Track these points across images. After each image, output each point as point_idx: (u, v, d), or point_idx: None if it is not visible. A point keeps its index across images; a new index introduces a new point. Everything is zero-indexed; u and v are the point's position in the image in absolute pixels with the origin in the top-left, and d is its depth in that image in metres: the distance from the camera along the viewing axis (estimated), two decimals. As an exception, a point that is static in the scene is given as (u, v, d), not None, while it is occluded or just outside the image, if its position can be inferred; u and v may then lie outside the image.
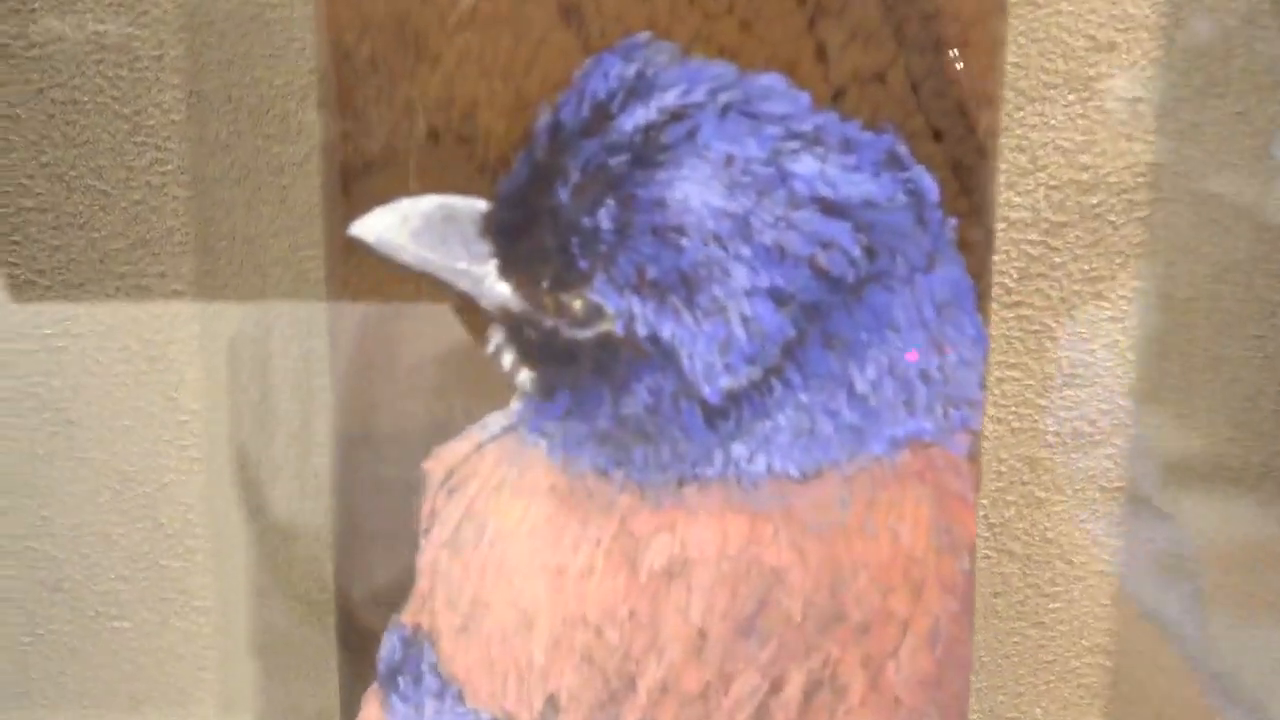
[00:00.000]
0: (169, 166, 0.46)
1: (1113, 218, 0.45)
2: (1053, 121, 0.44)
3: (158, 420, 0.48)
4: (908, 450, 0.39)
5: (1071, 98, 0.44)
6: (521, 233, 0.38)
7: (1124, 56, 0.44)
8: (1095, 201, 0.45)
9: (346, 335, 0.39)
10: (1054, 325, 0.46)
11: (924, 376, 0.39)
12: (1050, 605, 0.47)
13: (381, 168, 0.38)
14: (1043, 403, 0.46)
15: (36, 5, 0.45)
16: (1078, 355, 0.46)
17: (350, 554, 0.41)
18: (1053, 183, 0.45)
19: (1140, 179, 0.45)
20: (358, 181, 0.38)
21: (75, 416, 0.49)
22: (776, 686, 0.40)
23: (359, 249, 0.38)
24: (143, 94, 0.46)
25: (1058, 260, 0.45)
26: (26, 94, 0.46)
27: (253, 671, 0.50)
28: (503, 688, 0.41)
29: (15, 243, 0.47)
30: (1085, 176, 0.45)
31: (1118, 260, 0.45)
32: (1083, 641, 0.48)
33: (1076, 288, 0.46)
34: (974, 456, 0.39)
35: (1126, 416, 0.46)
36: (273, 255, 0.47)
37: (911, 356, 0.38)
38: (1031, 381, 0.46)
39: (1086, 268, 0.45)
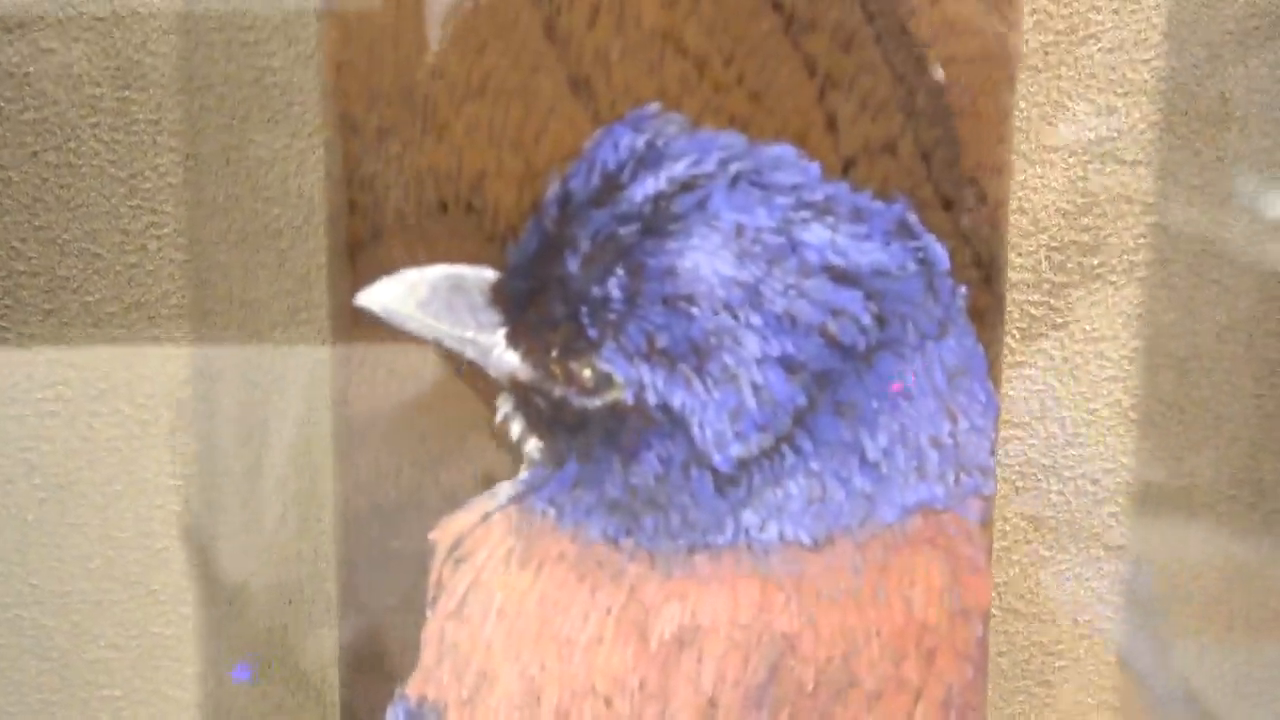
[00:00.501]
0: (165, 230, 0.46)
1: (1114, 278, 0.45)
2: (1054, 184, 0.45)
3: (150, 485, 0.48)
4: (919, 517, 0.39)
5: (1072, 161, 0.45)
6: (530, 302, 0.38)
7: (1124, 120, 0.44)
8: (1097, 263, 0.45)
9: (351, 404, 0.39)
10: (1057, 385, 0.46)
11: (935, 443, 0.38)
12: (1056, 663, 0.47)
13: (389, 237, 0.37)
14: (1046, 462, 0.46)
15: (30, 69, 0.45)
16: (1081, 415, 0.46)
17: (354, 625, 0.40)
18: (1054, 244, 0.45)
19: (1141, 240, 0.45)
20: (364, 251, 0.38)
21: (65, 481, 0.48)
22: (788, 757, 0.40)
23: (365, 319, 0.38)
24: (139, 157, 0.45)
25: (1060, 321, 0.46)
26: (20, 157, 0.45)
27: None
28: (511, 760, 0.40)
29: (7, 306, 0.46)
30: (1087, 238, 0.45)
31: (1120, 320, 0.46)
32: (1088, 699, 0.47)
33: (1079, 348, 0.46)
34: (986, 522, 0.39)
35: (1129, 475, 0.46)
36: (271, 319, 0.46)
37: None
38: (1035, 441, 0.46)
39: (1089, 328, 0.46)
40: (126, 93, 0.45)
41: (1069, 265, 0.45)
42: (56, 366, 0.47)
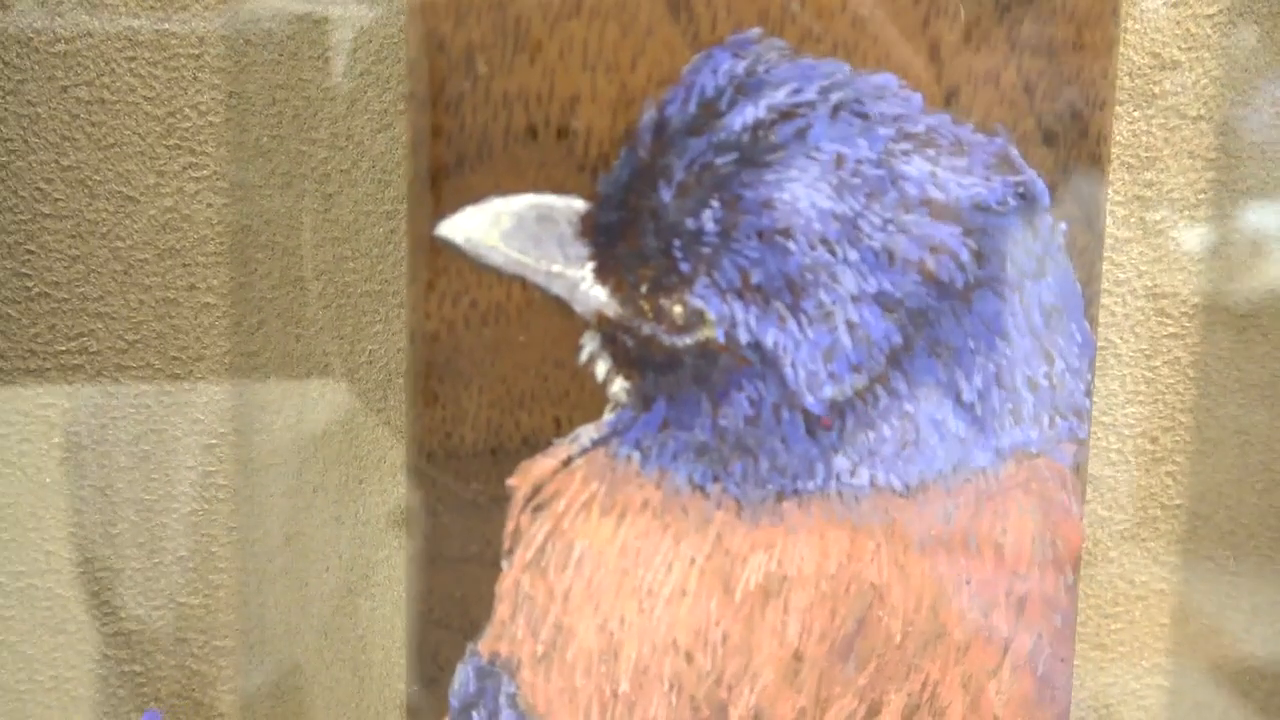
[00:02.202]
0: (204, 172, 0.44)
1: (1175, 234, 0.45)
2: (1118, 137, 0.44)
3: (182, 445, 0.45)
4: (1013, 461, 0.38)
5: (1136, 114, 0.44)
6: (621, 234, 0.36)
7: (1187, 74, 0.44)
8: (1159, 217, 0.45)
9: (427, 342, 0.37)
10: (1118, 341, 0.45)
11: (1031, 385, 0.38)
12: (1111, 626, 0.47)
13: (474, 164, 0.36)
14: (1107, 420, 0.46)
15: (66, -3, 0.42)
16: (1140, 372, 0.46)
17: (425, 577, 0.38)
18: (1118, 198, 0.45)
19: (1202, 196, 0.45)
20: (448, 178, 0.36)
21: (89, 441, 0.45)
22: (874, 711, 0.38)
23: (445, 250, 0.36)
24: (178, 94, 0.43)
25: (1121, 277, 0.45)
26: (49, 91, 0.43)
27: None
28: None
29: (30, 252, 0.44)
30: (1149, 193, 0.45)
31: (1180, 277, 0.45)
32: (1143, 663, 0.47)
33: (1139, 304, 0.45)
34: (1080, 467, 0.38)
35: (1188, 434, 0.46)
36: (314, 267, 0.44)
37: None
38: (1096, 399, 0.45)
39: (1150, 284, 0.45)
40: (166, 25, 0.43)
41: (1131, 220, 0.45)
42: (82, 317, 0.44)
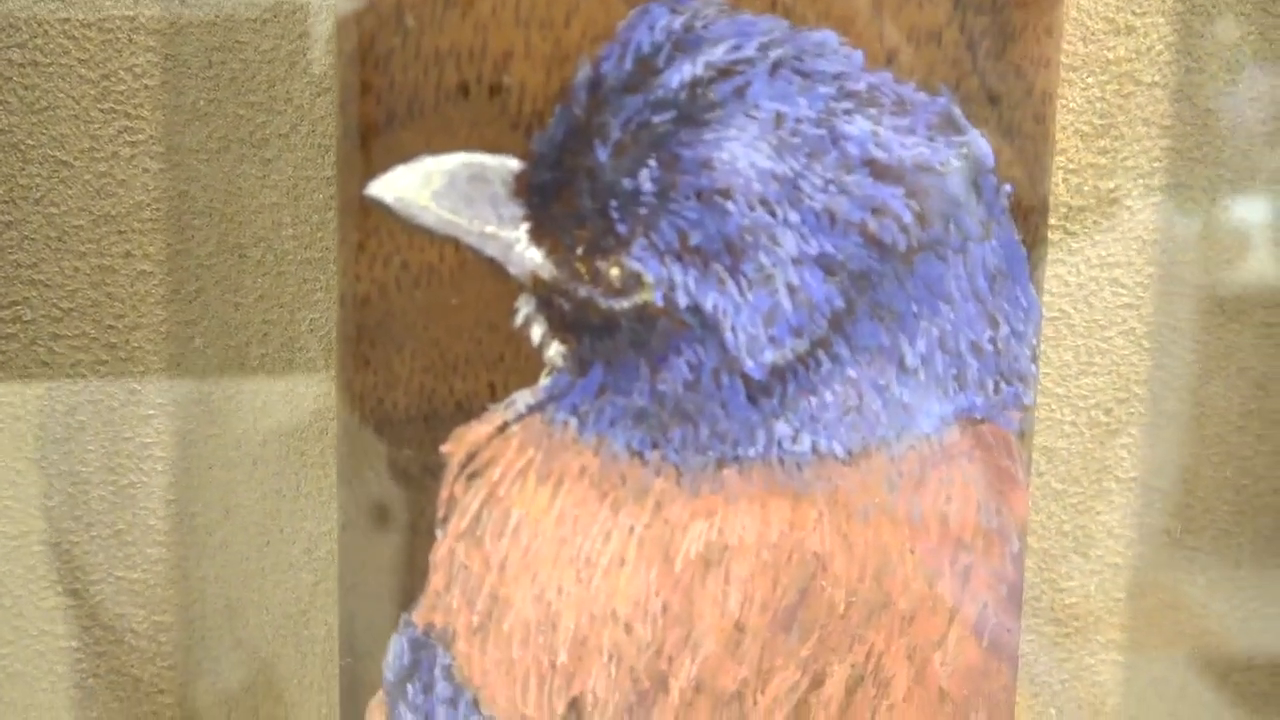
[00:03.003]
0: (140, 136, 0.43)
1: (1130, 203, 0.45)
2: (1071, 105, 0.44)
3: (118, 416, 0.44)
4: (957, 428, 0.37)
5: (1089, 80, 0.44)
6: (556, 194, 0.35)
7: (1141, 39, 0.44)
8: (1112, 186, 0.45)
9: (357, 305, 0.36)
10: (1071, 312, 0.45)
11: (976, 349, 0.37)
12: (1066, 600, 0.46)
13: (404, 122, 0.35)
14: (1060, 392, 0.45)
15: (-5, -45, 0.41)
16: (1094, 343, 0.45)
17: (357, 546, 0.37)
18: (1071, 166, 0.44)
19: (1157, 164, 0.44)
20: (377, 137, 0.35)
21: (22, 412, 0.44)
22: (817, 682, 0.38)
23: (376, 211, 0.35)
24: (112, 56, 0.42)
25: (1074, 246, 0.45)
26: (-20, 54, 0.42)
27: (229, 696, 0.46)
28: (522, 692, 0.37)
29: (-39, 217, 0.43)
30: (1103, 161, 0.44)
31: (1135, 246, 0.45)
32: (1098, 638, 0.47)
33: (1093, 274, 0.45)
34: (1026, 434, 0.37)
35: (1142, 406, 0.45)
36: (252, 234, 0.43)
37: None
38: (1049, 370, 0.45)
39: (1104, 254, 0.45)
40: (100, -14, 0.42)
41: (1085, 188, 0.44)
42: (16, 285, 0.43)
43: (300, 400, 0.45)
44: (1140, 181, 0.44)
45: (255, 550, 0.45)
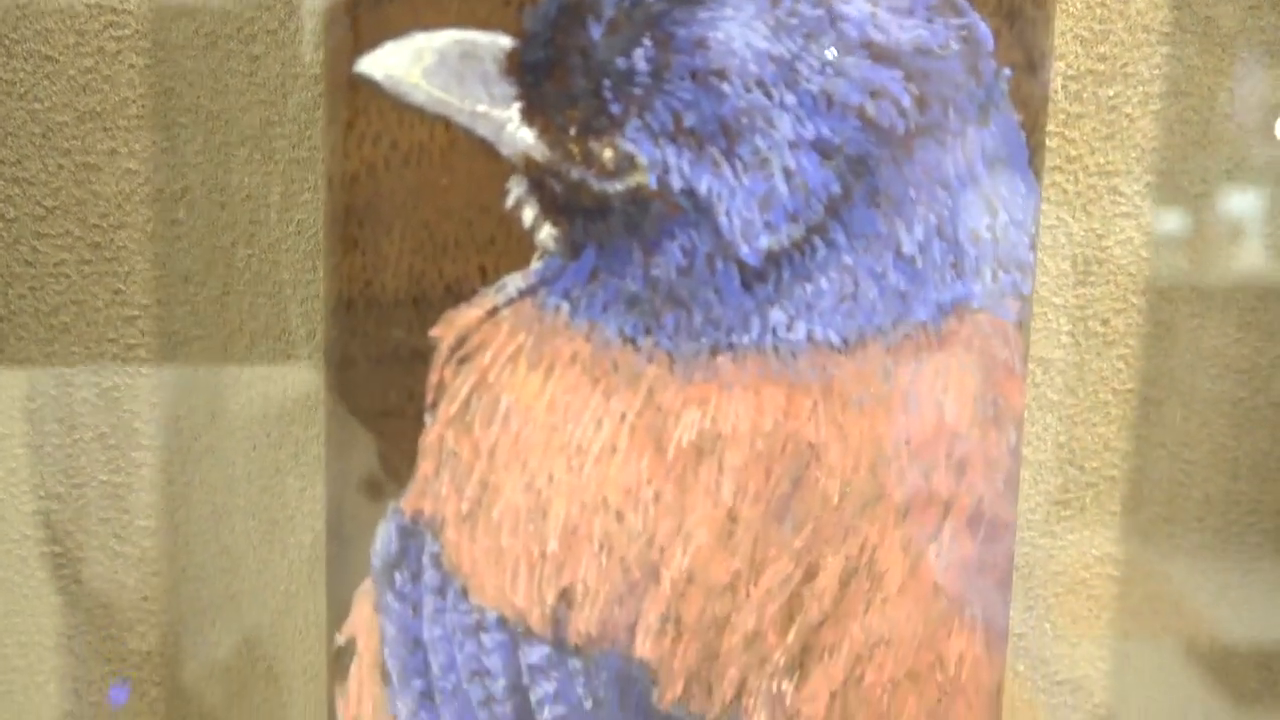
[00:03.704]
0: (126, 31, 0.42)
1: (1129, 110, 0.44)
2: (1071, 9, 0.43)
3: (102, 317, 0.44)
4: (954, 317, 0.37)
5: (1090, -17, 0.43)
6: (548, 73, 0.35)
7: (1142, -57, 0.43)
8: (1112, 93, 0.44)
9: (346, 185, 0.35)
10: (1069, 220, 0.44)
11: (974, 237, 0.37)
12: (1061, 513, 0.46)
13: (395, -4, 0.34)
14: (1057, 301, 0.45)
15: None
16: (1092, 252, 0.45)
17: (344, 432, 0.37)
18: (1070, 72, 0.44)
19: (1157, 72, 0.44)
20: (366, 12, 0.34)
21: (4, 311, 0.43)
22: (810, 574, 0.37)
23: (365, 89, 0.35)
24: (98, -53, 0.42)
25: (1073, 153, 0.44)
26: (-37, -57, 0.41)
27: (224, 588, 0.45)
28: (512, 581, 0.37)
29: (-56, 111, 0.42)
30: (1102, 68, 0.44)
31: (1133, 154, 0.44)
32: (1092, 551, 0.46)
33: (1092, 181, 0.44)
34: (1023, 323, 0.37)
35: (1140, 316, 0.45)
36: (240, 132, 0.43)
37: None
38: (1045, 279, 0.44)
39: (1102, 161, 0.44)
40: (86, -125, 0.41)
41: (1084, 95, 0.44)
42: (-2, 180, 0.43)
43: (288, 303, 0.44)
44: (1140, 89, 0.44)
45: (241, 455, 0.45)
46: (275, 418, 0.44)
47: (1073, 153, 0.44)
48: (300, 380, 0.44)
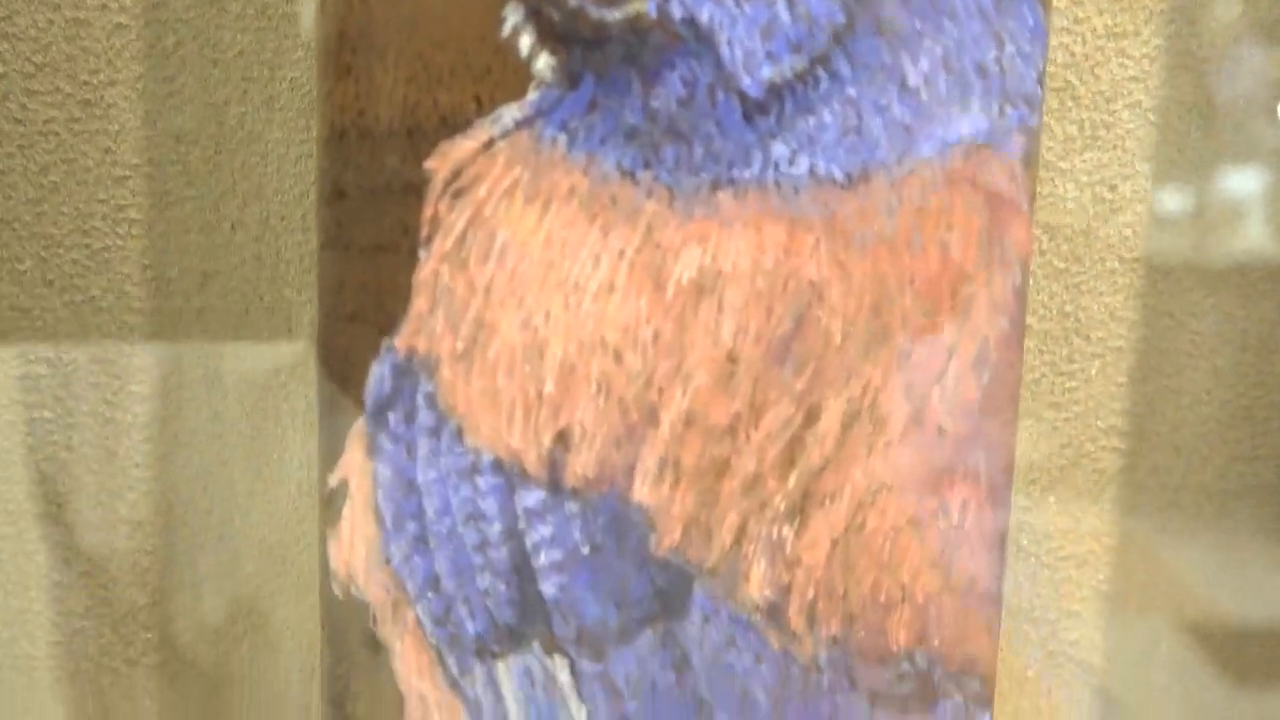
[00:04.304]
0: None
1: (1138, -32, 0.43)
2: None
3: (93, 176, 0.43)
4: (960, 152, 0.36)
5: None
6: (546, -107, 0.34)
7: None
8: (1120, -50, 0.43)
9: (339, 9, 0.35)
10: (1076, 83, 0.44)
11: (980, 70, 0.36)
12: (1066, 384, 0.45)
13: None
14: (1063, 166, 0.44)
15: None
16: (1100, 116, 0.44)
17: (336, 267, 0.36)
18: (1078, -72, 0.43)
19: (1166, -72, 0.43)
20: None
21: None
22: (811, 417, 0.37)
23: (359, -90, 0.34)
24: None
25: (1081, 15, 0.43)
26: None
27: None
28: (508, 423, 0.36)
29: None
30: (1111, -77, 0.43)
31: (1141, 17, 0.44)
32: (1098, 423, 0.45)
33: (1099, 43, 0.44)
34: (1030, 160, 0.36)
35: (1147, 183, 0.44)
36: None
37: None
38: (1052, 143, 0.44)
39: (1110, 23, 0.44)
40: None
41: (1093, -46, 0.43)
42: (-14, 34, 0.42)
43: (282, 163, 0.43)
44: (1149, -53, 0.43)
45: (234, 319, 0.44)
46: (268, 281, 0.44)
47: (1080, 14, 0.43)
48: (292, 250, 0.44)
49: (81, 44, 0.42)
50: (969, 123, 0.36)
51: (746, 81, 0.35)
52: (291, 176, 0.43)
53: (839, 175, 0.36)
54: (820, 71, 0.35)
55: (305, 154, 0.43)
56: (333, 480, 0.37)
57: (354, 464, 0.37)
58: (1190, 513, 0.47)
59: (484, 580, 0.37)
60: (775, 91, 0.35)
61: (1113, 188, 0.44)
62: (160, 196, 0.43)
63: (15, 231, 0.43)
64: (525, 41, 0.35)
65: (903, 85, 0.35)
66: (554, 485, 0.36)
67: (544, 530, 0.37)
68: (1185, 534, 0.46)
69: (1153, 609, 0.47)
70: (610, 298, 0.36)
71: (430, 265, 0.36)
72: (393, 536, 0.37)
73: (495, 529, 0.37)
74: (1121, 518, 0.46)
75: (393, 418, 0.36)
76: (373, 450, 0.36)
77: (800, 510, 0.37)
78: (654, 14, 0.34)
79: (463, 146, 0.35)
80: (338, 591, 0.37)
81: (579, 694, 0.37)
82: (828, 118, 0.35)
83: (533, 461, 0.36)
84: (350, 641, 0.37)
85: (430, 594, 0.37)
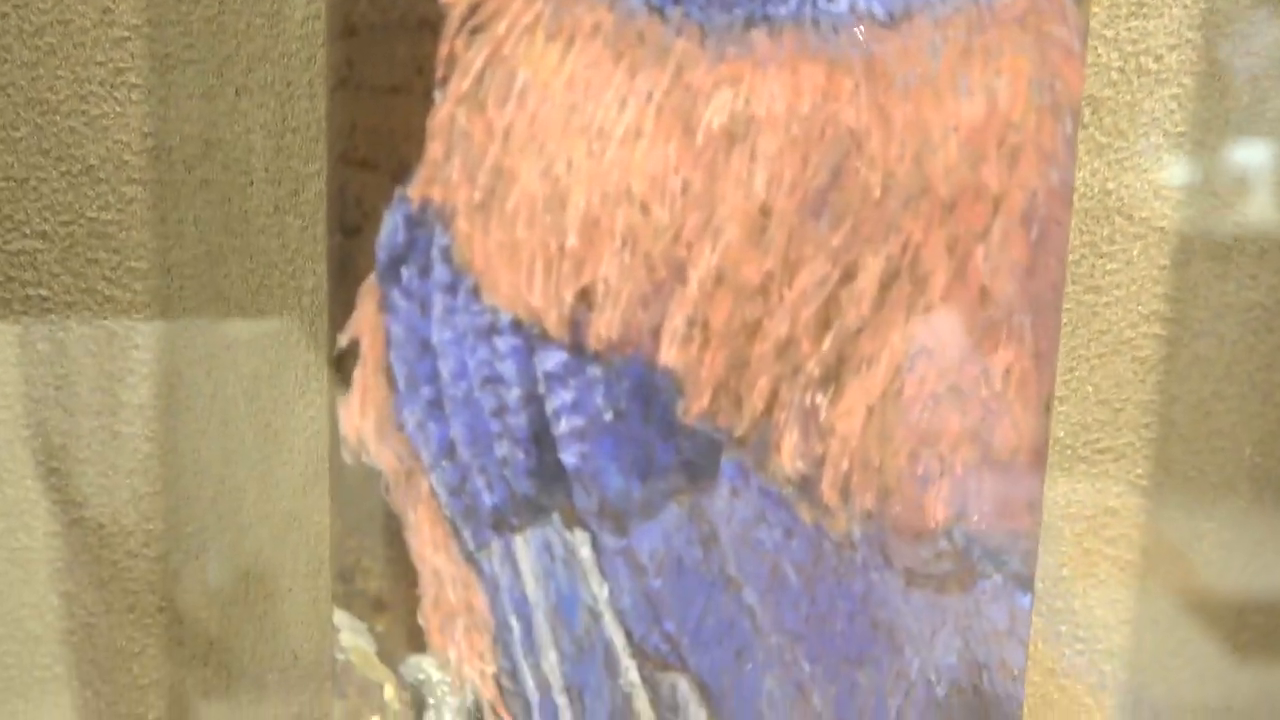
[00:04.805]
0: None
1: None
2: None
3: (90, 38, 0.41)
4: (1009, -10, 0.34)
5: None
6: None
7: None
8: None
9: None
10: (1122, -55, 0.42)
11: (1031, -101, 0.34)
12: (1107, 266, 0.43)
13: None
14: (1108, 34, 0.42)
15: None
16: (1146, -19, 0.42)
17: (346, 111, 0.34)
18: None
19: None
20: None
21: (-14, 36, 0.41)
22: (848, 275, 0.35)
23: None
24: None
25: (1128, -127, 0.41)
26: None
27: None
28: (528, 279, 0.34)
29: None
30: None
31: (1192, -126, 0.41)
32: (1139, 308, 0.44)
33: (1148, -97, 0.42)
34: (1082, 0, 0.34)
35: (1194, 53, 0.42)
36: None
37: None
38: (1097, 9, 0.42)
39: (1159, -119, 0.41)
40: None
41: None
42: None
43: (287, 25, 0.41)
44: None
45: (237, 191, 0.42)
46: (274, 151, 0.42)
47: (1128, -127, 0.41)
48: (299, 116, 0.42)
49: (77, -102, 0.40)
50: (1019, -41, 0.34)
51: (783, -88, 0.33)
52: (299, 39, 0.41)
53: (880, 12, 0.34)
54: (861, -99, 0.33)
55: (314, 14, 0.41)
56: (343, 340, 0.35)
57: (365, 322, 0.35)
58: (1234, 404, 0.45)
59: (501, 448, 0.35)
60: (813, -77, 0.33)
61: (1158, 58, 0.42)
62: (161, 60, 0.41)
63: (10, 97, 0.41)
64: None
65: (949, -83, 0.33)
66: (576, 347, 0.35)
67: (565, 395, 0.35)
68: (1229, 424, 0.45)
69: (1195, 502, 0.45)
70: (636, 144, 0.34)
71: (446, 108, 0.34)
72: (406, 400, 0.35)
73: (514, 393, 0.35)
74: (1164, 408, 0.44)
75: (406, 273, 0.34)
76: (385, 307, 0.35)
77: (835, 376, 0.35)
78: None
79: (481, -20, 0.33)
80: (348, 458, 0.35)
81: (600, 570, 0.36)
82: (869, -48, 0.33)
83: (553, 321, 0.35)
84: (361, 513, 0.36)
85: (445, 462, 0.35)
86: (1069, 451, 0.45)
